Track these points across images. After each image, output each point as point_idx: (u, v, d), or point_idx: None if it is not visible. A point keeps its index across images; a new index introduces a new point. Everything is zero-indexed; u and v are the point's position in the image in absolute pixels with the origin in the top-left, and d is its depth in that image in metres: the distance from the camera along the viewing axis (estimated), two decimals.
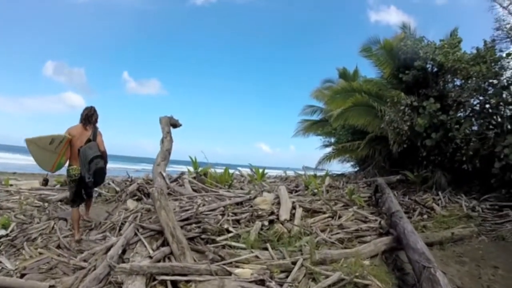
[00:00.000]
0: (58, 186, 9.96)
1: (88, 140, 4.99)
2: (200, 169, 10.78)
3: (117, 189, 9.34)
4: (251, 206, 6.86)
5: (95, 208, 8.01)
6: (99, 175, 5.08)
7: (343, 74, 22.63)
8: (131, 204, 7.25)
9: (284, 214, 6.39)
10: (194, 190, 9.02)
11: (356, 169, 19.60)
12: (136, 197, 8.93)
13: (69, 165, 5.17)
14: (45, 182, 8.05)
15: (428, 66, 11.52)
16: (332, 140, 21.95)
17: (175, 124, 8.74)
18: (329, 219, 7.05)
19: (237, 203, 7.10)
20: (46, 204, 7.40)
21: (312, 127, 22.79)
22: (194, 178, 10.11)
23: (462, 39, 11.24)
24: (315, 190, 9.31)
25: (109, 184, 9.73)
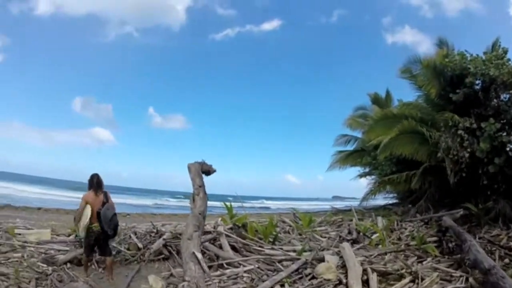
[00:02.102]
0: (72, 236, 9.23)
1: (103, 203, 6.26)
2: (235, 217, 9.95)
3: (140, 245, 8.34)
4: (312, 277, 6.04)
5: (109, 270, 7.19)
6: (116, 228, 6.50)
7: (376, 100, 22.34)
8: (154, 283, 6.14)
9: (356, 284, 5.50)
10: (234, 249, 7.97)
11: (395, 201, 19.26)
12: (163, 256, 7.99)
13: (91, 223, 6.27)
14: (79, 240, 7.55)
15: (477, 82, 10.96)
16: (367, 169, 21.66)
17: (208, 171, 7.75)
18: (410, 284, 6.01)
19: (295, 271, 6.22)
20: (50, 269, 6.55)
21: (348, 158, 22.37)
22: (231, 229, 9.09)
23: (508, 49, 10.80)
24: (372, 236, 8.84)
25: (130, 237, 8.85)
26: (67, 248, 8.11)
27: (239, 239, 8.37)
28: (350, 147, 23.45)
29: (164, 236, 8.63)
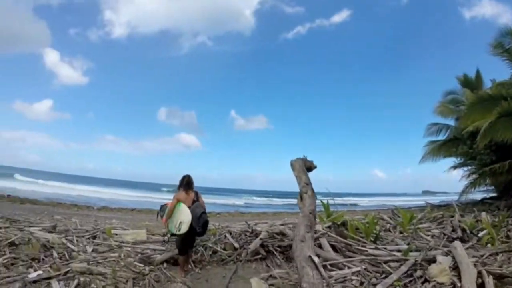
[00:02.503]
0: (168, 236, 9.14)
1: (193, 201, 6.47)
2: (332, 215, 9.51)
3: (236, 245, 7.99)
4: (425, 280, 5.39)
5: (208, 270, 6.89)
6: (205, 226, 6.51)
7: (466, 82, 20.53)
8: (257, 286, 5.62)
9: None
10: (334, 249, 7.30)
11: (494, 195, 17.64)
12: (260, 256, 7.56)
13: (181, 222, 6.39)
14: (166, 239, 7.68)
15: None
16: (462, 160, 19.92)
17: (310, 167, 7.15)
18: None
19: (404, 273, 5.60)
20: (146, 269, 6.35)
21: (441, 149, 20.61)
22: (329, 228, 8.51)
23: None
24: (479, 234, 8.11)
25: (225, 237, 8.54)
26: (163, 248, 7.94)
27: (340, 238, 7.68)
28: (442, 137, 21.72)
29: (261, 236, 8.20)
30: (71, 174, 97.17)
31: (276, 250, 7.79)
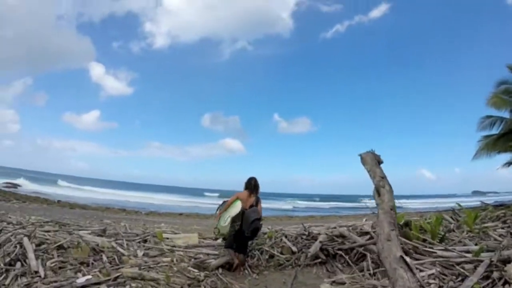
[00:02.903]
0: (220, 240, 8.69)
1: (252, 206, 6.38)
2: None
3: (294, 249, 7.41)
4: (505, 281, 4.81)
5: (266, 276, 6.37)
6: (255, 232, 6.39)
7: None
8: None
9: None
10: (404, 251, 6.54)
11: None
12: (319, 260, 7.01)
13: (233, 221, 6.35)
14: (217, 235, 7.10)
15: None
16: None
17: (378, 162, 6.50)
18: None
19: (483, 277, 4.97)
20: (202, 275, 5.85)
21: (497, 143, 19.28)
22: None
23: None
24: None
25: (281, 240, 7.96)
26: (217, 253, 7.45)
27: (404, 239, 6.95)
28: (496, 131, 20.14)
29: (320, 239, 7.58)
30: (118, 180, 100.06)
31: (336, 254, 7.21)
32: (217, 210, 6.94)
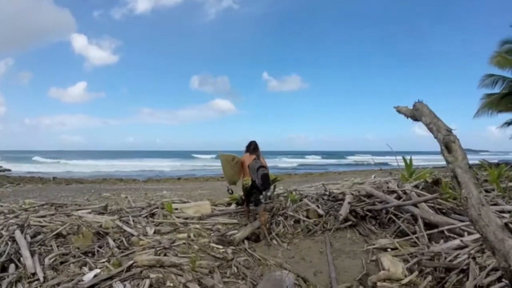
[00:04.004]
0: (234, 205, 7.81)
1: (254, 159, 6.28)
2: (414, 174, 8.31)
3: (320, 211, 6.57)
4: None
5: (297, 245, 5.62)
6: (265, 179, 6.11)
7: None
8: (392, 266, 4.07)
9: None
10: (440, 212, 5.98)
11: None
12: (350, 223, 6.18)
13: (244, 179, 6.41)
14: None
15: None
16: None
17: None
18: None
19: None
20: (229, 252, 4.93)
21: (501, 102, 18.85)
22: (416, 187, 7.13)
23: None
24: None
25: (300, 201, 7.10)
26: (235, 221, 6.59)
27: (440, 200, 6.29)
28: (497, 89, 19.83)
29: (348, 200, 6.75)
30: (113, 150, 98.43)
31: (366, 215, 6.44)
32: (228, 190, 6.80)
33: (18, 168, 35.13)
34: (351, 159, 63.24)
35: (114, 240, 5.43)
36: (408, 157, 8.92)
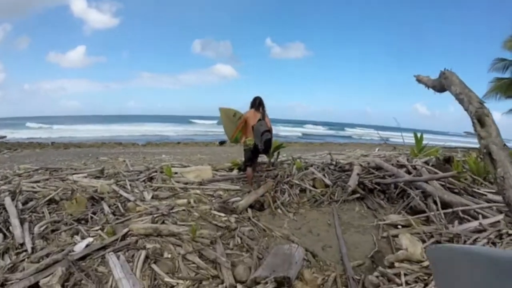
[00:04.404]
0: (236, 171, 7.43)
1: (259, 120, 6.05)
2: (424, 150, 8.11)
3: (328, 182, 6.19)
4: None
5: (304, 216, 5.24)
6: (267, 144, 6.05)
7: None
8: (411, 245, 3.66)
9: None
10: (452, 191, 5.54)
11: None
12: (357, 195, 5.78)
13: (246, 138, 6.28)
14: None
15: None
16: None
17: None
18: None
19: None
20: (232, 221, 4.56)
21: (510, 88, 18.51)
22: (426, 164, 6.68)
23: None
24: None
25: (312, 172, 6.70)
26: (237, 187, 6.21)
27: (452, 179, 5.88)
28: (508, 75, 19.38)
29: (357, 171, 6.39)
30: (113, 114, 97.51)
31: (374, 189, 6.04)
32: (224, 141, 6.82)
33: (16, 135, 34.56)
34: (351, 131, 62.60)
35: (109, 206, 5.10)
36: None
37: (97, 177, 7.13)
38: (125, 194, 5.55)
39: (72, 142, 24.93)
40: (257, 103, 6.34)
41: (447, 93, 3.80)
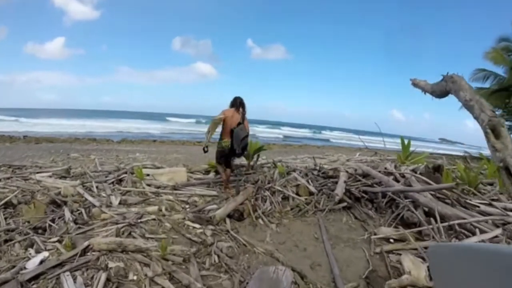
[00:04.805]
0: (212, 174, 6.94)
1: (239, 123, 5.82)
2: (410, 156, 7.89)
3: (312, 189, 5.77)
4: None
5: (288, 227, 4.75)
6: (245, 149, 5.95)
7: None
8: (414, 268, 3.23)
9: None
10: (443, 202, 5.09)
11: None
12: (344, 205, 5.36)
13: (221, 138, 5.95)
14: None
15: None
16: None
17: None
18: None
19: None
20: (208, 235, 4.01)
21: (491, 98, 18.08)
22: (414, 171, 6.29)
23: None
24: None
25: (295, 178, 6.24)
26: (214, 193, 5.72)
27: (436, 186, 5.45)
28: (488, 85, 19.70)
29: (344, 178, 5.98)
30: (88, 109, 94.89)
31: (362, 197, 5.63)
32: (206, 134, 5.94)
33: None
34: (329, 134, 62.66)
35: (71, 212, 4.54)
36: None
37: (63, 177, 6.58)
38: (90, 198, 4.99)
39: (45, 136, 23.81)
40: (238, 103, 6.04)
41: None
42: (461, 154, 18.07)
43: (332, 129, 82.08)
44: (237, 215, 4.65)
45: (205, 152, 5.82)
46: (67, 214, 4.38)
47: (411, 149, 8.14)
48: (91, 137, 23.88)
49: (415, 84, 4.35)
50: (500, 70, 19.22)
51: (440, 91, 3.71)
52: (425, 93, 4.14)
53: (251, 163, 7.23)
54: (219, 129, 5.95)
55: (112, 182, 6.02)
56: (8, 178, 6.25)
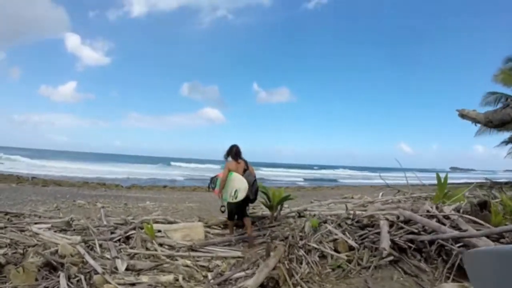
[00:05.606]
0: (224, 207, 6.08)
1: (244, 170, 5.84)
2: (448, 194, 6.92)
3: (353, 244, 4.81)
4: None
5: None
6: (256, 193, 5.86)
7: None
8: None
9: None
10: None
11: None
12: (391, 258, 4.44)
13: (236, 190, 5.66)
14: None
15: None
16: None
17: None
18: None
19: None
20: None
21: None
22: (457, 211, 5.51)
23: None
24: None
25: (330, 231, 5.28)
26: (239, 253, 4.78)
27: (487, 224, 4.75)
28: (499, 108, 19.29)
29: (386, 227, 4.97)
30: (99, 152, 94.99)
31: (409, 247, 4.63)
32: (208, 187, 6.40)
33: None
34: (340, 173, 61.58)
35: (69, 279, 3.63)
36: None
37: (63, 230, 5.70)
38: (91, 262, 4.07)
39: (53, 179, 23.13)
40: (234, 153, 6.00)
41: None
42: (483, 181, 16.98)
43: (343, 167, 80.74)
44: (271, 284, 3.68)
45: (222, 212, 5.86)
46: (63, 283, 3.49)
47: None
48: (100, 181, 23.16)
49: (463, 115, 3.58)
50: (510, 92, 18.58)
51: (500, 120, 2.90)
52: (475, 124, 3.36)
53: (275, 214, 6.37)
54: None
55: (119, 239, 5.11)
56: (2, 228, 5.44)
